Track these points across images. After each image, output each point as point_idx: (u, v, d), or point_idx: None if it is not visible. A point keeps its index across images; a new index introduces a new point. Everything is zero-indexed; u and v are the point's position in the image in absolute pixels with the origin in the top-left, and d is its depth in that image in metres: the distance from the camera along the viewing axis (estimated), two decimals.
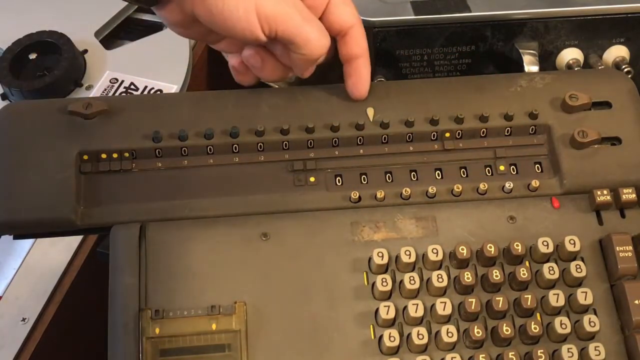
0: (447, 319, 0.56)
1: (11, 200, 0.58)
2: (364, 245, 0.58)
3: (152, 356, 0.54)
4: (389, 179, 0.61)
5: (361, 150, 0.62)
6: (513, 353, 0.55)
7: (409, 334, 0.55)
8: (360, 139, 0.62)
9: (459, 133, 0.62)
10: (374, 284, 0.57)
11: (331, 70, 0.64)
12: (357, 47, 0.62)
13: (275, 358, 0.55)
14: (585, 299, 0.56)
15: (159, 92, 0.82)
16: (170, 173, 0.61)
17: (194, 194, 0.60)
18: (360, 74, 0.62)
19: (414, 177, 0.61)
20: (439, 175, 0.61)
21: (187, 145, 0.61)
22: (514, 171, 0.62)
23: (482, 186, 0.60)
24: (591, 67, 0.74)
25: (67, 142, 0.60)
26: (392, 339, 0.55)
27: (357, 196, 0.60)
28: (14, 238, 0.61)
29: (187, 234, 0.58)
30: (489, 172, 0.62)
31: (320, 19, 0.60)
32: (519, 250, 0.57)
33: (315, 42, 0.58)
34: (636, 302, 0.56)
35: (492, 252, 0.57)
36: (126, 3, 0.89)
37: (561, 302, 0.56)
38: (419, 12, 0.71)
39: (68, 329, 0.73)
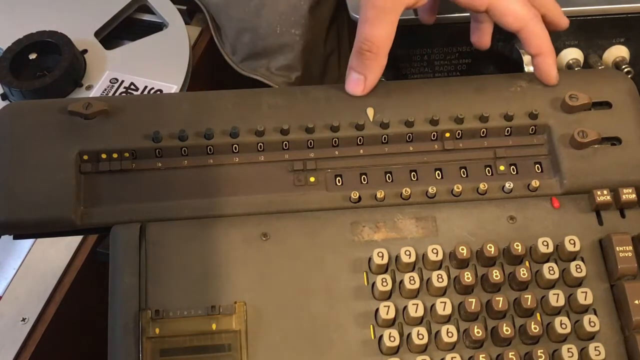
0: (447, 319, 0.56)
1: (11, 200, 0.58)
2: (364, 245, 0.58)
3: (152, 356, 0.54)
4: (389, 179, 0.61)
5: (361, 150, 0.62)
6: (513, 353, 0.55)
7: (409, 334, 0.55)
8: (360, 139, 0.62)
9: (459, 133, 0.62)
10: (374, 284, 0.57)
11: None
12: (530, 47, 0.64)
13: (275, 358, 0.55)
14: (585, 299, 0.56)
15: (159, 92, 0.82)
16: (170, 173, 0.61)
17: (194, 194, 0.60)
18: (539, 72, 0.64)
19: (414, 177, 0.61)
20: (439, 175, 0.61)
21: (187, 145, 0.61)
22: (514, 171, 0.62)
23: (482, 186, 0.60)
24: (591, 67, 0.74)
25: (67, 142, 0.60)
26: (392, 339, 0.55)
27: (357, 196, 0.60)
28: (14, 238, 0.61)
29: (187, 234, 0.58)
30: (489, 172, 0.62)
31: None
32: (519, 250, 0.57)
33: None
34: (636, 302, 0.56)
35: (492, 252, 0.57)
36: (126, 3, 0.89)
37: (561, 302, 0.56)
38: None
39: (68, 329, 0.73)
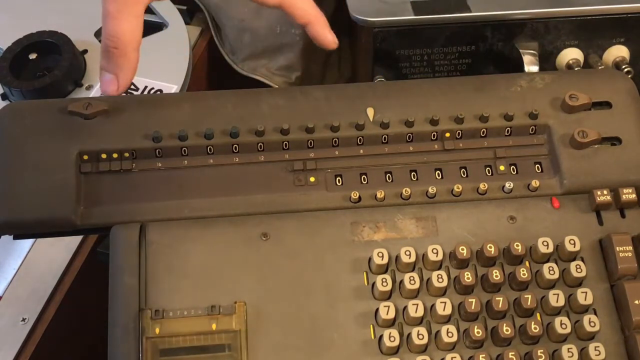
0: (447, 319, 0.56)
1: (11, 200, 0.58)
2: (364, 245, 0.58)
3: (152, 356, 0.54)
4: (389, 179, 0.61)
5: (361, 150, 0.62)
6: (513, 353, 0.55)
7: (409, 334, 0.55)
8: (360, 139, 0.62)
9: (459, 133, 0.62)
10: (374, 284, 0.57)
11: None
12: (296, 19, 0.63)
13: (275, 358, 0.55)
14: (585, 299, 0.56)
15: (159, 92, 0.82)
16: (170, 173, 0.61)
17: (194, 194, 0.60)
18: (315, 40, 0.64)
19: (414, 177, 0.61)
20: (439, 175, 0.61)
21: (187, 145, 0.61)
22: (514, 171, 0.62)
23: (482, 186, 0.60)
24: (591, 67, 0.74)
25: (67, 142, 0.60)
26: (392, 339, 0.55)
27: (357, 196, 0.60)
28: (14, 238, 0.61)
29: (187, 234, 0.58)
30: (489, 172, 0.62)
31: None
32: (519, 250, 0.57)
33: None
34: (636, 302, 0.56)
35: (492, 252, 0.57)
36: None
37: (561, 302, 0.56)
38: (419, 12, 0.72)
39: (68, 329, 0.73)
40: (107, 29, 0.59)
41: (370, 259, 0.58)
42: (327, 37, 0.63)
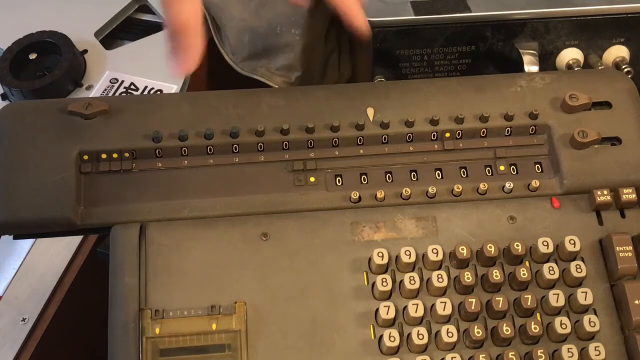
0: (447, 319, 0.56)
1: (11, 200, 0.58)
2: (364, 245, 0.58)
3: (152, 356, 0.54)
4: (389, 179, 0.61)
5: (361, 150, 0.62)
6: (513, 353, 0.55)
7: (409, 334, 0.55)
8: (360, 139, 0.62)
9: (459, 133, 0.62)
10: (374, 284, 0.57)
11: None
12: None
13: (275, 358, 0.55)
14: (585, 299, 0.56)
15: (159, 92, 0.82)
16: (170, 173, 0.61)
17: (194, 194, 0.60)
18: (347, 21, 0.62)
19: (414, 177, 0.61)
20: (439, 175, 0.61)
21: (187, 145, 0.61)
22: (514, 171, 0.62)
23: (482, 186, 0.60)
24: (591, 67, 0.74)
25: (67, 142, 0.60)
26: (392, 339, 0.55)
27: (357, 196, 0.60)
28: (14, 238, 0.61)
29: (187, 234, 0.58)
30: (489, 172, 0.62)
31: None
32: (519, 250, 0.57)
33: None
34: (636, 302, 0.56)
35: (492, 252, 0.57)
36: (126, 3, 0.89)
37: (561, 302, 0.56)
38: (419, 12, 0.72)
39: (68, 329, 0.73)
40: (170, 13, 0.58)
41: (370, 259, 0.58)
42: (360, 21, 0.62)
